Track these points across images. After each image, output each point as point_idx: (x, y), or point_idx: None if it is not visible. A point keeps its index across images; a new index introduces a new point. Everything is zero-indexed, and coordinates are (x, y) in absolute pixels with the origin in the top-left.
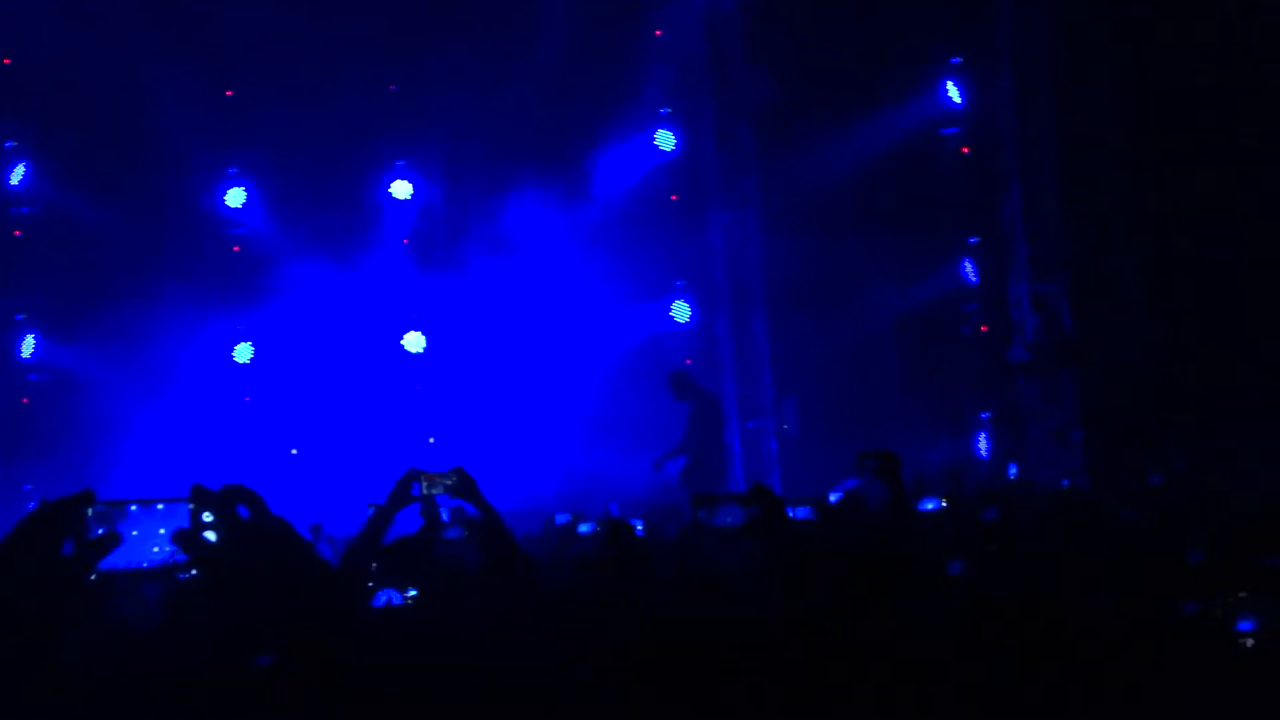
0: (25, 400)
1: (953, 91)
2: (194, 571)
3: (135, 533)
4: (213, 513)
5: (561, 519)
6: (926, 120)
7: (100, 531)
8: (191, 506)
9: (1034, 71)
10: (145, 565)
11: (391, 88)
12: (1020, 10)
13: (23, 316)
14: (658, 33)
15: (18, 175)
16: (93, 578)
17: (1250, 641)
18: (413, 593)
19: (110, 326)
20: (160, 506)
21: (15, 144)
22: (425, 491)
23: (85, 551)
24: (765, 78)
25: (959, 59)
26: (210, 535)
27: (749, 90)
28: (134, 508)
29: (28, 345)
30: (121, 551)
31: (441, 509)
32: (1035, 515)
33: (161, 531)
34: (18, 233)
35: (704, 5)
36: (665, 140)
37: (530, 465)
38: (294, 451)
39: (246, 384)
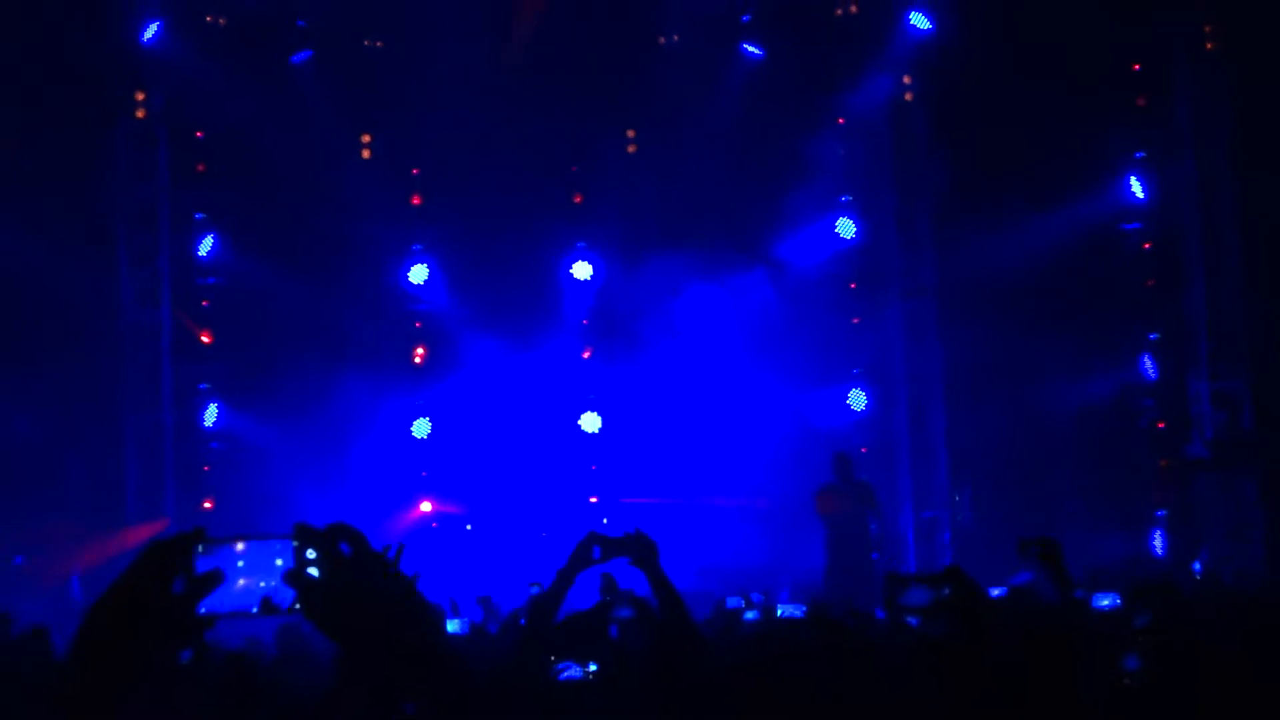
0: (206, 468)
1: (1136, 187)
2: (298, 607)
3: (241, 564)
4: (316, 550)
5: (733, 603)
6: (1108, 214)
7: (208, 569)
8: (296, 544)
9: (1217, 162)
10: (253, 607)
11: (573, 169)
12: (1201, 99)
13: (206, 385)
14: (840, 120)
15: (206, 247)
16: (201, 613)
17: None
18: (593, 667)
19: (291, 398)
20: (268, 543)
21: (205, 216)
22: (604, 556)
23: (193, 588)
24: (946, 167)
25: (1143, 153)
26: (314, 571)
27: (929, 180)
28: (241, 545)
29: (210, 414)
30: (229, 590)
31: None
32: (1216, 617)
33: (278, 563)
34: (205, 303)
35: (888, 94)
36: (846, 228)
37: (704, 548)
38: (469, 527)
39: (424, 459)
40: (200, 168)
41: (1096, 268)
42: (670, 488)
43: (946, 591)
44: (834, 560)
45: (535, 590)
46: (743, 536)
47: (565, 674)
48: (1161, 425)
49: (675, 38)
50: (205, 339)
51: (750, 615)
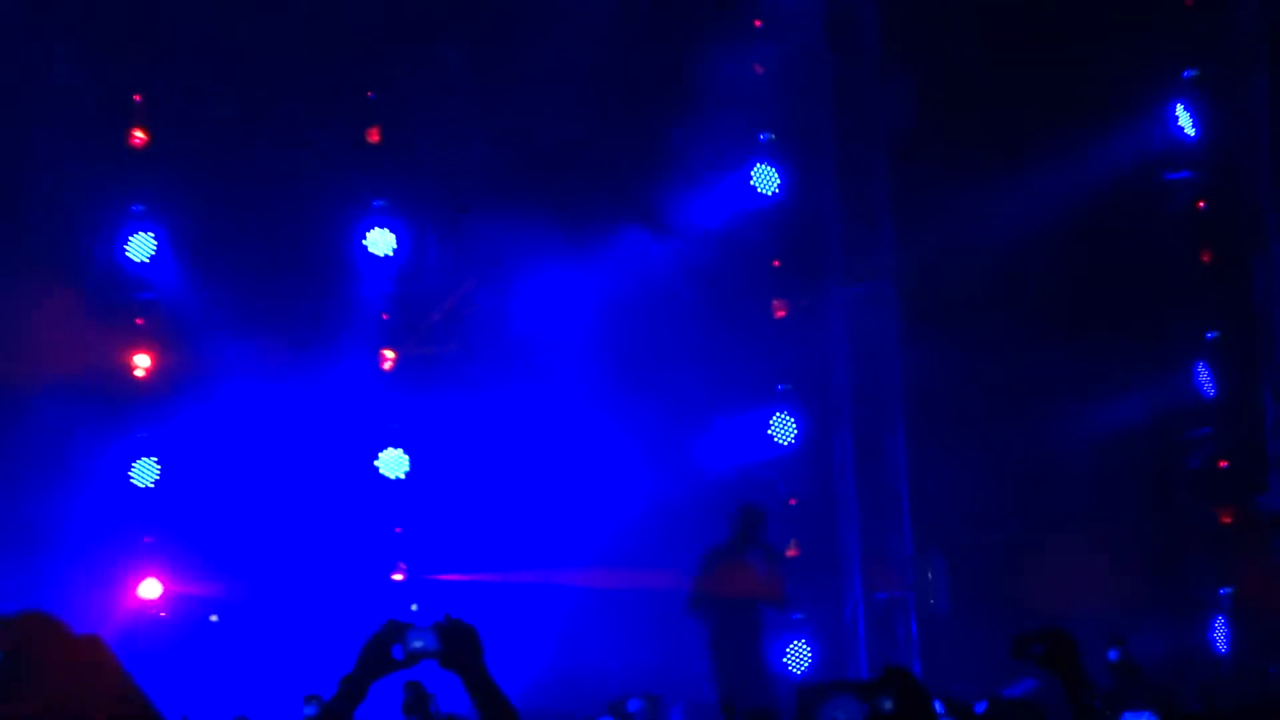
0: None
1: (1183, 120)
2: None
3: None
4: None
5: (635, 706)
6: (1143, 161)
7: (413, 648)
8: None
9: None
10: None
11: (368, 95)
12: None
13: None
14: (757, 23)
15: None
16: None
17: None
18: None
19: None
20: None
21: None
22: (408, 656)
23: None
24: (909, 96)
25: (1193, 72)
26: None
27: (885, 114)
28: None
29: None
30: None
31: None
32: None
33: None
34: None
35: None
36: (765, 179)
37: (552, 646)
38: (214, 618)
39: (150, 517)
40: None
41: (1127, 239)
42: (504, 560)
43: (887, 706)
44: (731, 664)
45: (311, 710)
46: (612, 630)
47: None
48: (1224, 464)
49: None
50: None
51: None
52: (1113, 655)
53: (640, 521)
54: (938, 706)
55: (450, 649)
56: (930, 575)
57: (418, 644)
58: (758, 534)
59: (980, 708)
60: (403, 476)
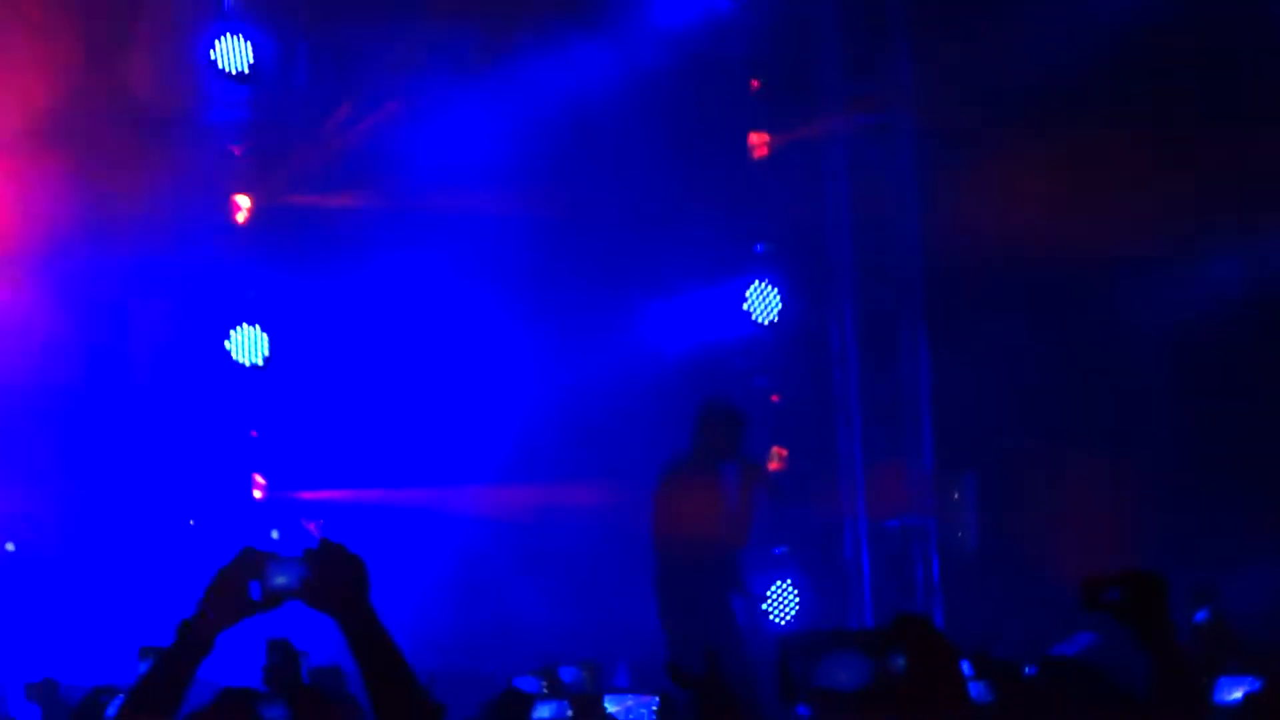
0: None
1: None
2: None
3: None
4: None
5: (525, 687)
6: None
7: (275, 585)
8: None
9: None
10: None
11: None
12: None
13: None
14: None
15: None
16: None
17: None
18: None
19: None
20: None
21: None
22: (268, 595)
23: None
24: None
25: None
26: None
27: None
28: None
29: None
30: None
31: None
32: None
33: None
34: None
35: None
36: None
37: (463, 587)
38: (9, 547)
39: None
40: None
41: (1236, 31)
42: (393, 473)
43: (899, 664)
44: (690, 616)
45: (148, 664)
46: (537, 566)
47: None
48: None
49: None
50: None
51: (551, 713)
52: (1201, 616)
53: (572, 425)
54: (965, 667)
55: (324, 585)
56: (957, 497)
57: (281, 579)
58: (733, 445)
59: (1028, 671)
60: (260, 363)
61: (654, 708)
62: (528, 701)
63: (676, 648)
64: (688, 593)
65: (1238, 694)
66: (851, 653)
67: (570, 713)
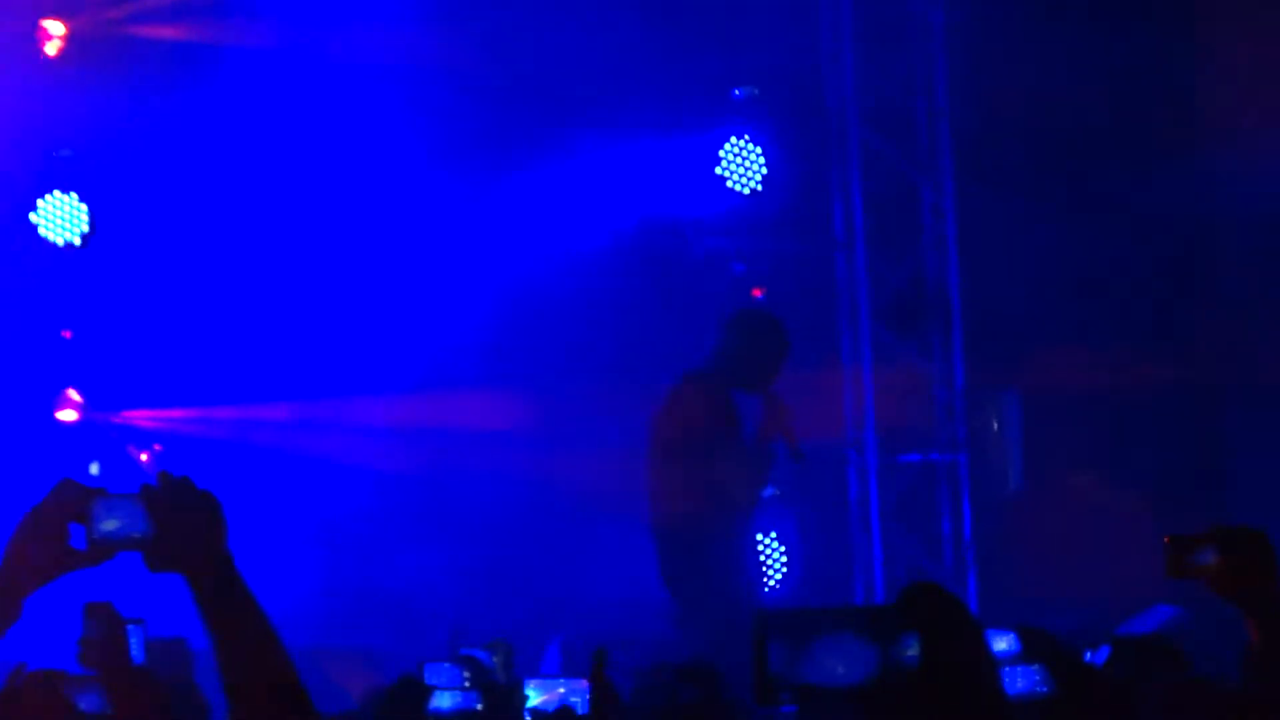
0: None
1: None
2: None
3: None
4: None
5: (430, 676)
6: None
7: (105, 531)
8: None
9: None
10: None
11: None
12: None
13: None
14: None
15: None
16: None
17: None
18: None
19: None
20: None
21: None
22: (95, 545)
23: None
24: None
25: None
26: None
27: None
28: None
29: None
30: None
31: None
32: None
33: None
34: None
35: None
36: None
37: (350, 540)
38: None
39: None
40: None
41: None
42: (257, 387)
43: (910, 651)
44: (698, 579)
45: None
46: (443, 517)
47: None
48: None
49: None
50: None
51: (454, 704)
52: None
53: (491, 325)
54: (1013, 641)
55: (168, 532)
56: (996, 427)
57: (111, 524)
58: (768, 375)
59: (1100, 656)
60: (78, 242)
61: (589, 695)
62: (425, 691)
63: (686, 620)
64: (699, 550)
65: None
66: (850, 637)
67: (480, 705)
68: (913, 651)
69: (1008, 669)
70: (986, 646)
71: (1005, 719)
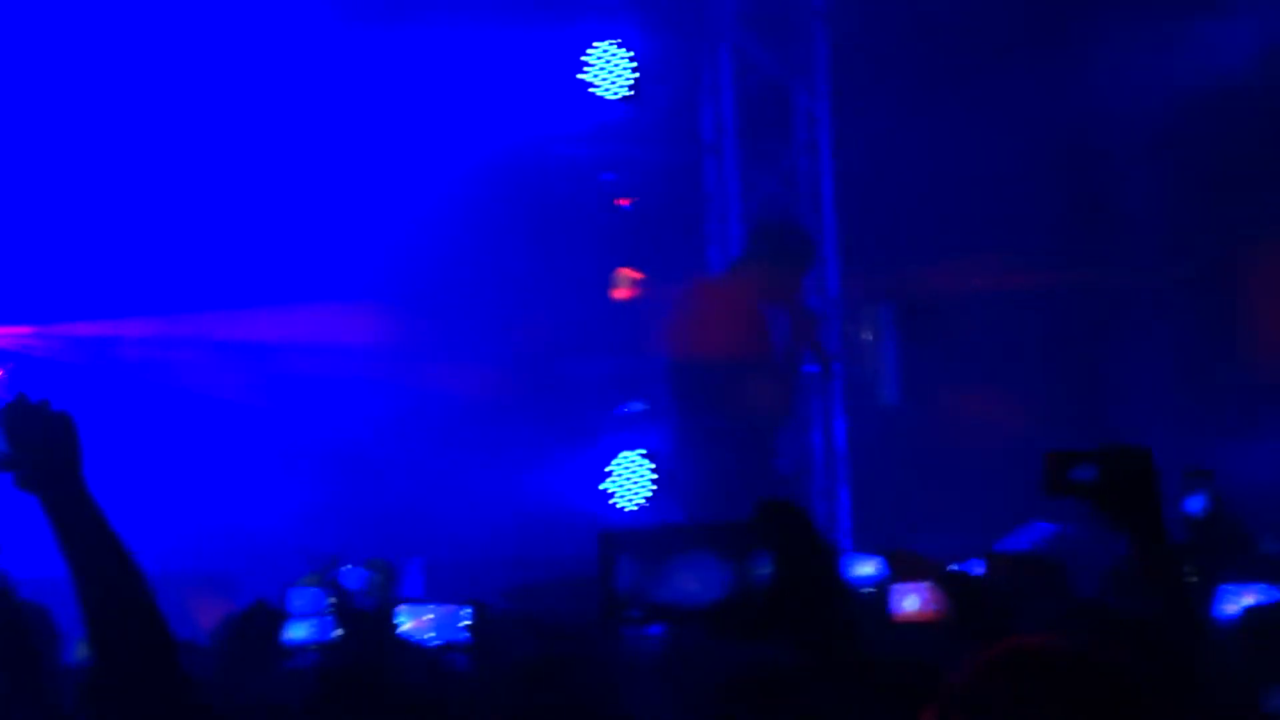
0: None
1: None
2: None
3: None
4: None
5: (297, 600)
6: None
7: None
8: None
9: None
10: None
11: None
12: None
13: None
14: None
15: None
16: None
17: None
18: None
19: None
20: None
21: None
22: None
23: None
24: None
25: None
26: None
27: None
28: None
29: None
30: None
31: None
32: None
33: None
34: None
35: None
36: None
37: (221, 455)
38: None
39: None
40: None
41: None
42: (107, 299)
43: (763, 571)
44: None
45: None
46: (303, 434)
47: None
48: None
49: None
50: None
51: (308, 634)
52: (1194, 503)
53: (355, 235)
54: (880, 565)
55: (21, 452)
56: (869, 337)
57: None
58: (793, 281)
59: (973, 568)
60: None
61: (465, 623)
62: (278, 619)
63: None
64: (726, 471)
65: (1244, 603)
66: (701, 555)
67: (336, 632)
68: (765, 569)
69: (894, 587)
70: (837, 565)
71: (855, 637)
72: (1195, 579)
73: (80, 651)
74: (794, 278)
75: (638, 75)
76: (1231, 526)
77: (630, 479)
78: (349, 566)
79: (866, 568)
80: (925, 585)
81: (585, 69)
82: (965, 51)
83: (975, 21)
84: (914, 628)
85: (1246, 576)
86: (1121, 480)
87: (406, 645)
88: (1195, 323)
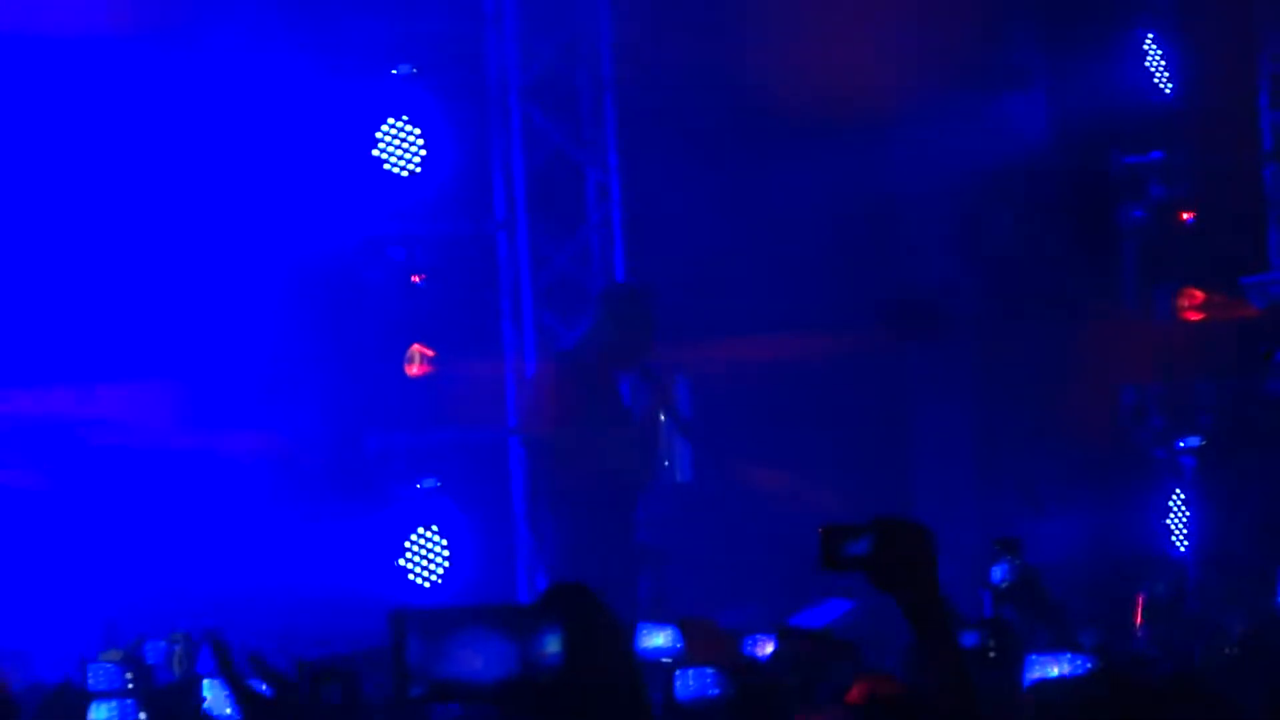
0: None
1: None
2: None
3: None
4: None
5: (95, 676)
6: None
7: None
8: None
9: None
10: None
11: None
12: None
13: None
14: None
15: None
16: None
17: None
18: None
19: None
20: None
21: None
22: None
23: None
24: None
25: None
26: None
27: None
28: None
29: None
30: None
31: None
32: None
33: None
34: None
35: None
36: None
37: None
38: None
39: None
40: None
41: None
42: None
43: (551, 649)
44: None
45: None
46: (111, 502)
47: None
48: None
49: None
50: None
51: (112, 714)
52: (999, 572)
53: (144, 312)
54: (674, 635)
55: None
56: (663, 417)
57: None
58: (639, 348)
59: (765, 643)
60: None
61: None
62: (84, 700)
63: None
64: (589, 539)
65: (1051, 672)
66: (487, 633)
67: (142, 715)
68: (553, 650)
69: (679, 672)
70: (630, 646)
71: (647, 718)
72: (993, 653)
73: None
74: (643, 341)
75: (425, 152)
76: (1039, 596)
77: (424, 556)
78: (150, 641)
79: (659, 638)
80: (711, 670)
81: (376, 145)
82: (754, 122)
83: (767, 94)
84: (700, 709)
85: (1054, 646)
86: (896, 554)
87: None
88: (998, 397)
